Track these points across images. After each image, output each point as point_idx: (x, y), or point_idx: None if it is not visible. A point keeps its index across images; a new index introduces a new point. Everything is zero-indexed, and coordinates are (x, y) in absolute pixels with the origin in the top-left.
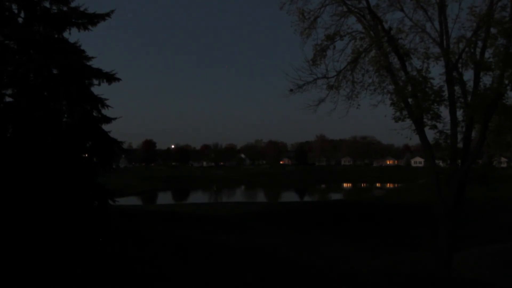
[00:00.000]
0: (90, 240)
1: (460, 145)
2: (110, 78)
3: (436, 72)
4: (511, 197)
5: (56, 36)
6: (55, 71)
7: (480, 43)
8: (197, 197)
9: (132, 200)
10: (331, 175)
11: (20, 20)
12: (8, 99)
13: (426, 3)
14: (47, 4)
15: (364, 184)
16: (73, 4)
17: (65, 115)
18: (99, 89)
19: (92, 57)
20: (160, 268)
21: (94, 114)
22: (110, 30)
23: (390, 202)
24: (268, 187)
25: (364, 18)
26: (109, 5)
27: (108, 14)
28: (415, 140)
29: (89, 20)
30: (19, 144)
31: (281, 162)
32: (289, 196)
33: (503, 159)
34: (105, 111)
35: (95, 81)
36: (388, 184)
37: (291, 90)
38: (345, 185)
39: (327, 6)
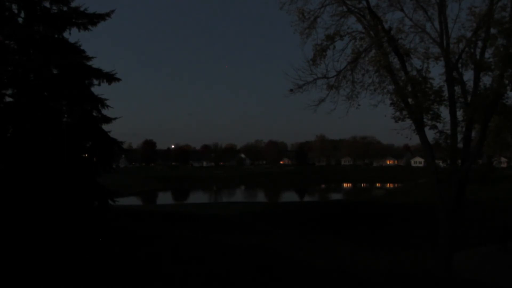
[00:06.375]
0: (90, 240)
1: (460, 145)
2: (110, 78)
3: (436, 72)
4: (511, 197)
5: (56, 36)
6: (55, 71)
7: (480, 43)
8: (197, 197)
9: (132, 200)
10: (331, 175)
11: (20, 20)
12: (8, 99)
13: (426, 3)
14: (47, 4)
15: (364, 184)
16: (73, 4)
17: (65, 115)
18: (99, 89)
19: (92, 57)
20: (160, 268)
21: (94, 114)
22: (110, 30)
23: (390, 202)
24: (268, 187)
25: (364, 18)
26: (109, 5)
27: (108, 14)
28: (415, 140)
29: (89, 20)
30: (19, 144)
31: (281, 162)
32: (289, 196)
33: (503, 159)
34: (105, 111)
35: (95, 81)
36: (388, 184)
37: (291, 90)
38: (345, 185)
39: (327, 6)
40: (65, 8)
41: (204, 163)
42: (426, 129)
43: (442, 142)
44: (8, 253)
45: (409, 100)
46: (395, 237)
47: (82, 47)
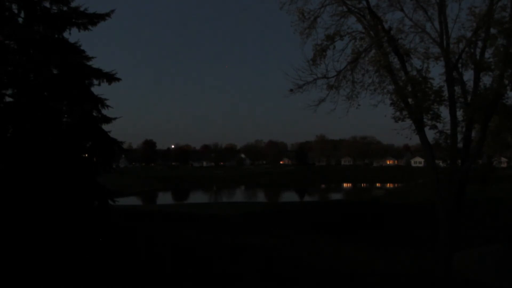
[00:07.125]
0: (90, 240)
1: (460, 145)
2: (110, 78)
3: (436, 72)
4: (511, 197)
5: (56, 36)
6: (55, 71)
7: (480, 43)
8: (197, 197)
9: (132, 200)
10: (331, 175)
11: (20, 20)
12: (8, 99)
13: (426, 3)
14: (47, 4)
15: (364, 184)
16: (73, 4)
17: (65, 115)
18: (99, 89)
19: (92, 57)
20: (160, 268)
21: (94, 114)
22: (110, 30)
23: (390, 202)
24: (268, 187)
25: (364, 18)
26: (109, 5)
27: (108, 14)
28: (415, 140)
29: (89, 20)
30: (19, 144)
31: (281, 162)
32: (289, 196)
33: (503, 159)
34: (105, 111)
35: (95, 81)
36: (388, 184)
37: (291, 90)
38: (345, 185)
39: (327, 6)
40: (65, 8)
41: (204, 163)
42: (426, 129)
43: (442, 142)
44: (9, 253)
45: (409, 100)
46: (395, 237)
47: (82, 47)
